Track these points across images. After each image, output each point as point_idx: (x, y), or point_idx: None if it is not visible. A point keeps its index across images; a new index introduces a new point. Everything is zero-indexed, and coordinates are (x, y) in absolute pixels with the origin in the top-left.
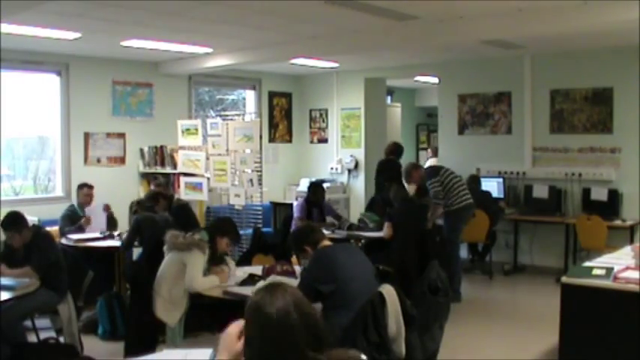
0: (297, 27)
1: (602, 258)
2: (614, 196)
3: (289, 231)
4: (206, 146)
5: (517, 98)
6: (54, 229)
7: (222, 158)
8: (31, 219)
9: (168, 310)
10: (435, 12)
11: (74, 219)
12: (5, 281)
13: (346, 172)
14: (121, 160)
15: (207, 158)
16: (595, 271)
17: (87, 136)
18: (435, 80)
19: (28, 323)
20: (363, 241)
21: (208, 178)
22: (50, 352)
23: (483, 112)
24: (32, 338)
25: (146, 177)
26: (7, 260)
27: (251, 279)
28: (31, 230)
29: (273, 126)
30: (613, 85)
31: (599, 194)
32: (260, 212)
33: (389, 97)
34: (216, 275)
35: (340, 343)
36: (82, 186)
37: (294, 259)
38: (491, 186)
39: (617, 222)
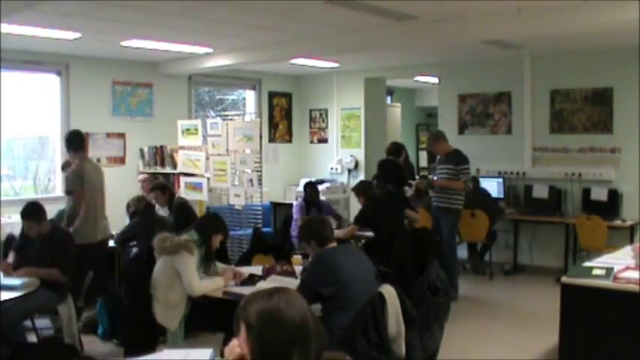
0: (297, 27)
1: (602, 258)
2: (614, 196)
3: (289, 231)
4: (206, 146)
5: (517, 98)
6: None
7: (222, 158)
8: None
9: (167, 314)
10: (435, 12)
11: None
12: (5, 281)
13: (346, 172)
14: (121, 160)
15: (207, 158)
16: (595, 271)
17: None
18: (435, 80)
19: (28, 323)
20: (363, 241)
21: (208, 178)
22: (50, 352)
23: (483, 112)
24: (32, 338)
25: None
26: (20, 252)
27: (251, 279)
28: (49, 225)
29: (273, 126)
30: (613, 85)
31: (599, 194)
32: (260, 212)
33: (389, 97)
34: (220, 277)
35: (340, 344)
36: None
37: (294, 259)
38: (491, 186)
39: (617, 222)
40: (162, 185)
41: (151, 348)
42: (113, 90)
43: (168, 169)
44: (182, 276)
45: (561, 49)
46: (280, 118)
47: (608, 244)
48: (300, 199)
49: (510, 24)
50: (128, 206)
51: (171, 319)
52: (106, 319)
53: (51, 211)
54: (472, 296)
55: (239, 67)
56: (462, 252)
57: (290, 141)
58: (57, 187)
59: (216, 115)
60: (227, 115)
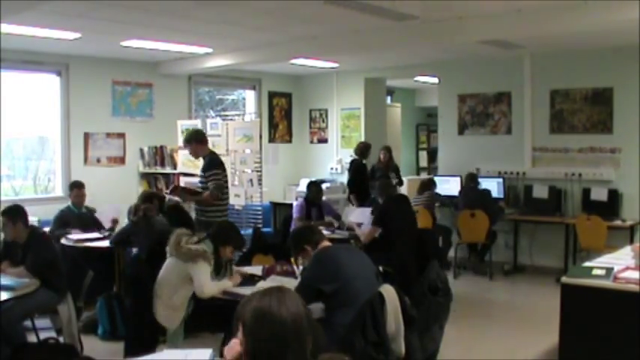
0: (297, 27)
1: (602, 258)
2: (614, 196)
3: (289, 231)
4: None
5: (517, 98)
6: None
7: (222, 158)
8: (31, 219)
9: (168, 314)
10: (435, 12)
11: (66, 220)
12: (5, 281)
13: (346, 172)
14: (121, 160)
15: None
16: (595, 271)
17: (87, 136)
18: (435, 80)
19: (28, 323)
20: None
21: None
22: (50, 352)
23: (483, 112)
24: (32, 338)
25: (146, 177)
26: (8, 259)
27: (251, 279)
28: (27, 229)
29: (273, 126)
30: (613, 85)
31: (599, 194)
32: (260, 212)
33: (389, 97)
34: (228, 279)
35: (341, 342)
36: (73, 186)
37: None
38: (491, 186)
39: (617, 222)
40: (147, 197)
41: (151, 348)
42: (113, 90)
43: (168, 169)
44: (195, 281)
45: (561, 49)
46: (280, 118)
47: (608, 244)
48: (300, 199)
49: (510, 24)
50: (129, 212)
51: (172, 320)
52: (106, 319)
53: (51, 211)
54: (472, 296)
55: (239, 67)
56: (462, 252)
57: (290, 141)
58: (57, 187)
59: (216, 115)
60: (227, 115)
